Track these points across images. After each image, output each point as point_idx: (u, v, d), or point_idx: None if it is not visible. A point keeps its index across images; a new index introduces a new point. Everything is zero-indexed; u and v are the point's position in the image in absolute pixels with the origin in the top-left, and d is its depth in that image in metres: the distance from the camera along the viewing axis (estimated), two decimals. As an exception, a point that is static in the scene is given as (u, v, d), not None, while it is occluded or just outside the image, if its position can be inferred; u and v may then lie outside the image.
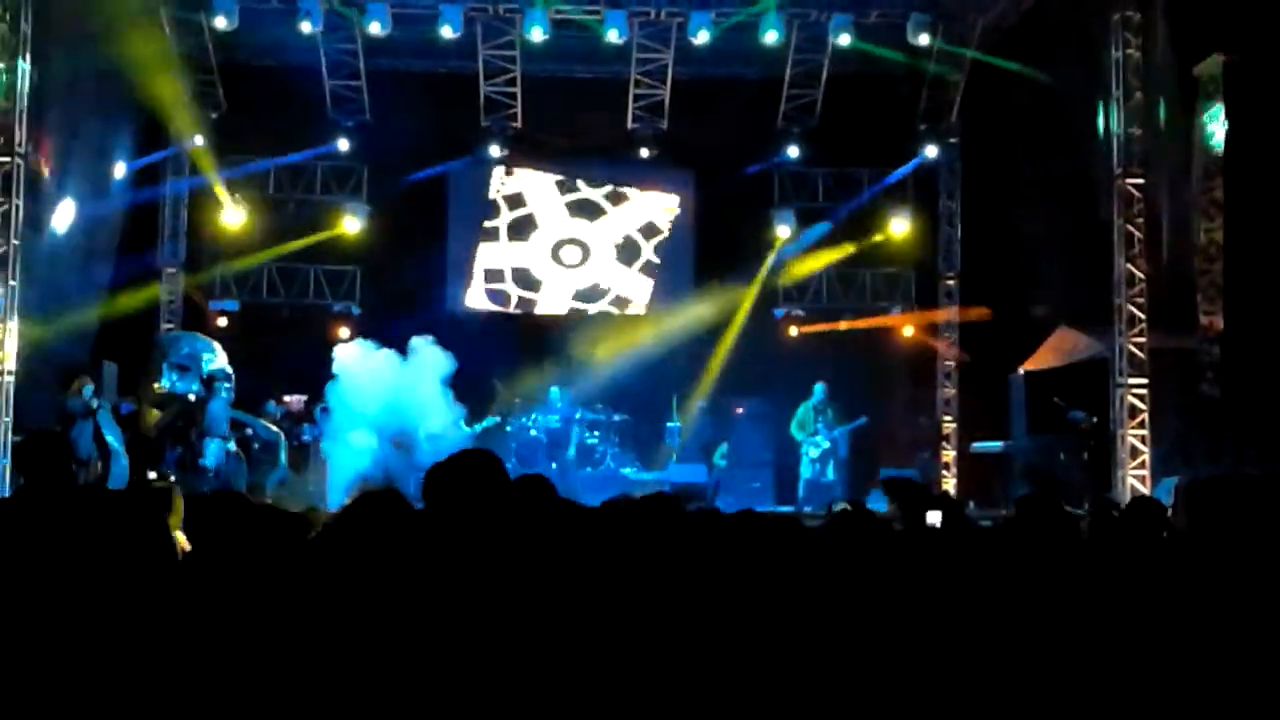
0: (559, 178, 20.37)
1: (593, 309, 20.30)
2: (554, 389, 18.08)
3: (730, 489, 17.74)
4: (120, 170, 17.71)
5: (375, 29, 17.52)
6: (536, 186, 20.41)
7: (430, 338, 17.25)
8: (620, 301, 20.34)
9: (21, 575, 3.67)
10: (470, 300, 20.18)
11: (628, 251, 20.39)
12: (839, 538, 4.46)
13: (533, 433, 17.96)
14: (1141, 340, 15.27)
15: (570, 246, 20.41)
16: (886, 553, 4.36)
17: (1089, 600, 3.78)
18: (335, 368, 17.19)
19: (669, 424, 18.66)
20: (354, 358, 17.33)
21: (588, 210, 20.45)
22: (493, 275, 20.28)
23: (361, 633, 3.12)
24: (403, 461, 16.73)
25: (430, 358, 17.14)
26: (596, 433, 18.27)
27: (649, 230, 20.42)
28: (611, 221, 20.44)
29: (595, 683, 3.05)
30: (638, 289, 20.40)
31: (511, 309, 20.28)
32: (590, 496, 14.36)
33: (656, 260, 20.38)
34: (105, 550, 3.93)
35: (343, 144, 19.23)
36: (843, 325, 19.81)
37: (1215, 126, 14.66)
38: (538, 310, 20.31)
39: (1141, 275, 15.35)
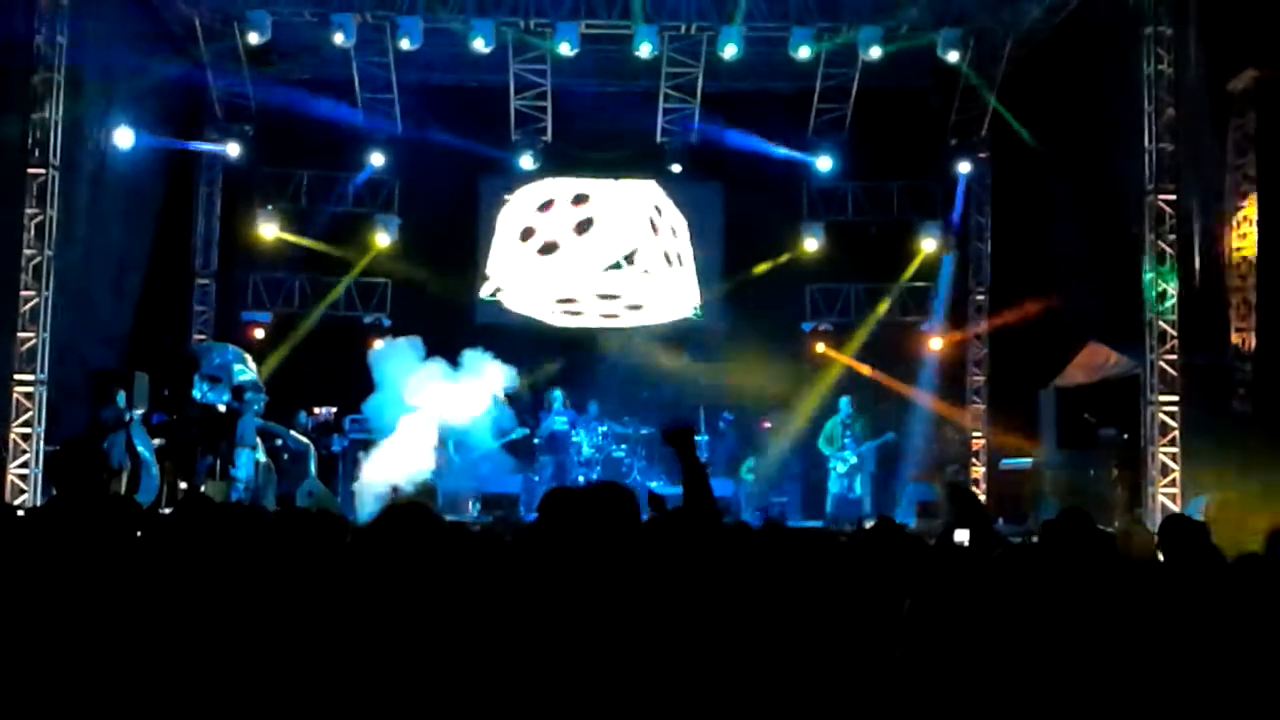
0: (593, 189, 20.39)
1: (626, 322, 20.31)
2: (555, 391, 18.02)
3: (757, 503, 17.72)
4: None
5: (406, 44, 17.59)
6: (569, 199, 20.45)
7: (488, 351, 17.38)
8: (654, 313, 20.34)
9: (53, 584, 3.70)
10: (503, 312, 20.21)
11: (661, 261, 20.40)
12: (872, 552, 4.45)
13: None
14: (1173, 357, 15.18)
15: (606, 256, 20.41)
16: (919, 568, 4.35)
17: (1121, 619, 3.76)
18: (378, 365, 17.28)
19: (695, 437, 18.60)
20: (396, 358, 17.42)
21: (622, 220, 20.48)
22: (525, 288, 20.32)
23: (386, 646, 3.13)
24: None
25: (477, 368, 17.26)
26: (623, 445, 18.27)
27: (679, 241, 20.43)
28: (645, 231, 20.46)
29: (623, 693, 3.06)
30: (671, 300, 20.41)
31: (543, 321, 20.29)
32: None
33: (687, 270, 20.39)
34: (137, 561, 3.96)
35: (376, 159, 19.31)
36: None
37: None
38: (571, 323, 20.32)
39: (1173, 291, 15.26)
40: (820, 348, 20.05)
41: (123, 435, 14.80)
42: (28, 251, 14.80)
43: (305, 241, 19.62)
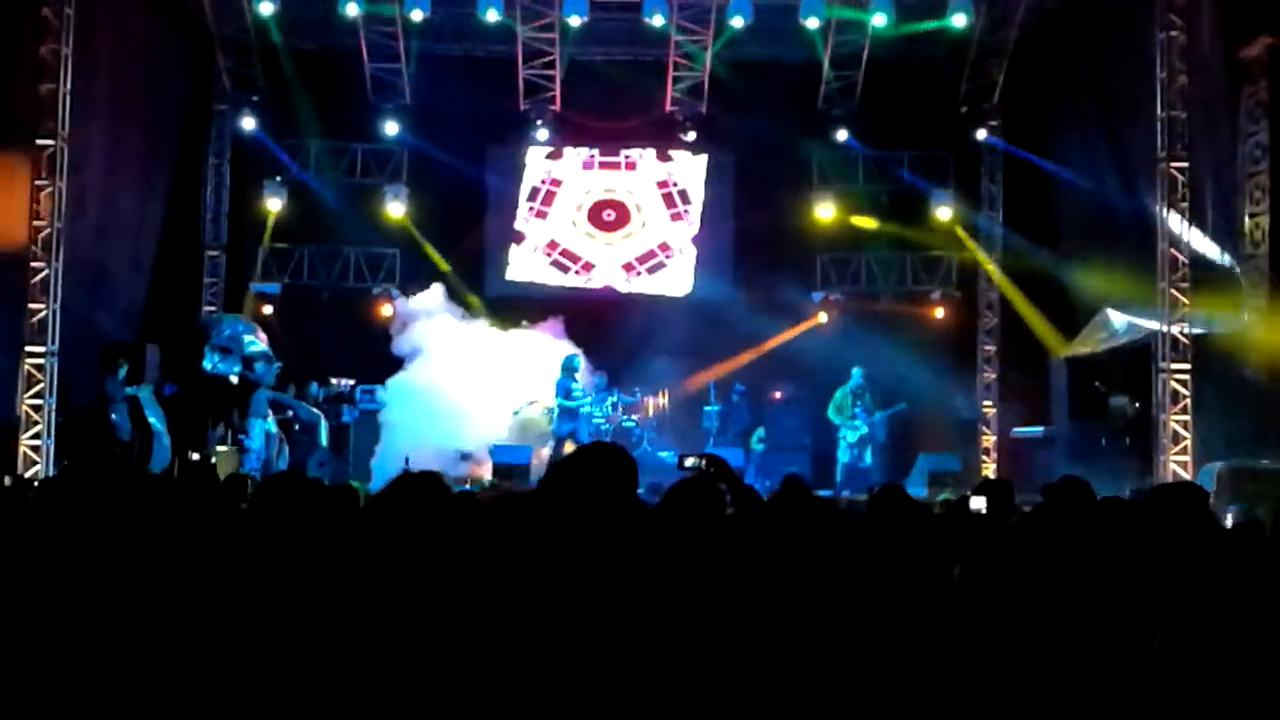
0: (601, 155, 20.38)
1: (634, 289, 20.33)
2: (574, 358, 17.72)
3: (767, 473, 17.74)
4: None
5: (416, 14, 17.51)
6: (575, 166, 20.45)
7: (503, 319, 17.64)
8: (662, 282, 20.36)
9: (66, 555, 3.71)
10: (513, 281, 20.25)
11: (668, 221, 20.43)
12: (879, 521, 4.44)
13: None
14: (1185, 325, 15.13)
15: (610, 214, 20.42)
16: (928, 537, 4.34)
17: (1126, 587, 3.75)
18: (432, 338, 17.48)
19: (706, 407, 18.66)
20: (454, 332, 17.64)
21: (628, 182, 20.49)
22: (533, 258, 20.35)
23: (398, 614, 3.14)
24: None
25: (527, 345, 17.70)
26: (633, 416, 18.29)
27: (684, 197, 20.41)
28: (653, 191, 20.46)
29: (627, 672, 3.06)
30: (677, 268, 20.41)
31: (557, 287, 20.32)
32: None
33: (693, 235, 20.39)
34: (145, 530, 3.97)
35: (391, 128, 19.23)
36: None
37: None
38: (586, 284, 20.36)
39: (1185, 259, 15.20)
40: (822, 317, 19.97)
41: (125, 407, 14.82)
42: (37, 223, 14.80)
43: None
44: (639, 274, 20.41)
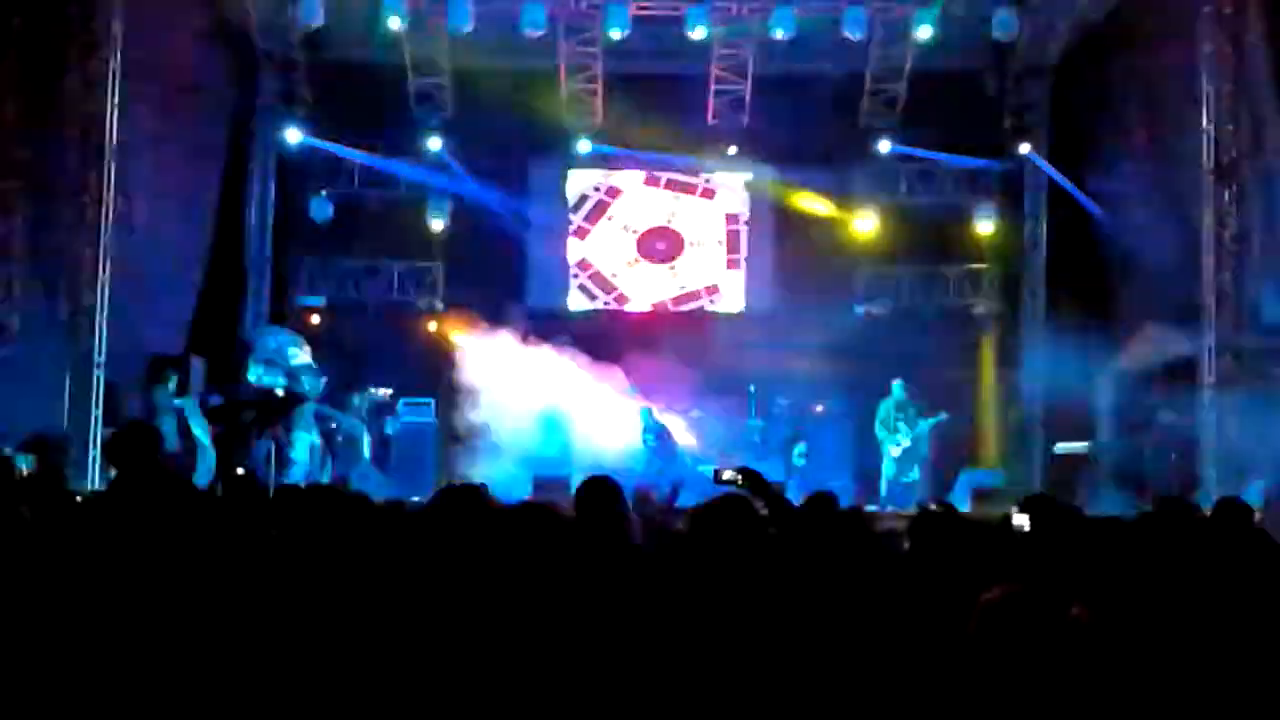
0: (644, 172, 20.38)
1: (683, 306, 20.32)
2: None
3: (809, 488, 17.63)
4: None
5: (459, 26, 17.62)
6: (621, 182, 20.47)
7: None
8: (710, 299, 20.33)
9: (119, 567, 3.75)
10: (555, 297, 20.27)
11: (712, 244, 20.39)
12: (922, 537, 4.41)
13: None
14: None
15: (657, 240, 20.41)
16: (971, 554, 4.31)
17: (1171, 604, 3.71)
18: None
19: (748, 421, 18.60)
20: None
21: (671, 203, 20.48)
22: (578, 272, 20.36)
23: (440, 622, 3.15)
24: None
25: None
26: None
27: (733, 220, 20.39)
28: (696, 212, 20.45)
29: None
30: (727, 284, 20.37)
31: (598, 305, 20.33)
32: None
33: (742, 253, 20.35)
34: (197, 541, 4.00)
35: (433, 142, 19.29)
36: None
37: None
38: (626, 307, 20.35)
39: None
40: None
41: (174, 418, 14.91)
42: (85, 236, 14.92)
43: None
44: (681, 308, 20.41)
